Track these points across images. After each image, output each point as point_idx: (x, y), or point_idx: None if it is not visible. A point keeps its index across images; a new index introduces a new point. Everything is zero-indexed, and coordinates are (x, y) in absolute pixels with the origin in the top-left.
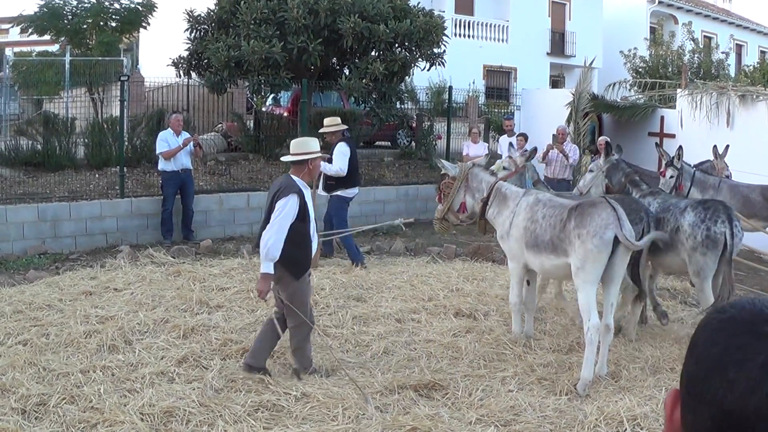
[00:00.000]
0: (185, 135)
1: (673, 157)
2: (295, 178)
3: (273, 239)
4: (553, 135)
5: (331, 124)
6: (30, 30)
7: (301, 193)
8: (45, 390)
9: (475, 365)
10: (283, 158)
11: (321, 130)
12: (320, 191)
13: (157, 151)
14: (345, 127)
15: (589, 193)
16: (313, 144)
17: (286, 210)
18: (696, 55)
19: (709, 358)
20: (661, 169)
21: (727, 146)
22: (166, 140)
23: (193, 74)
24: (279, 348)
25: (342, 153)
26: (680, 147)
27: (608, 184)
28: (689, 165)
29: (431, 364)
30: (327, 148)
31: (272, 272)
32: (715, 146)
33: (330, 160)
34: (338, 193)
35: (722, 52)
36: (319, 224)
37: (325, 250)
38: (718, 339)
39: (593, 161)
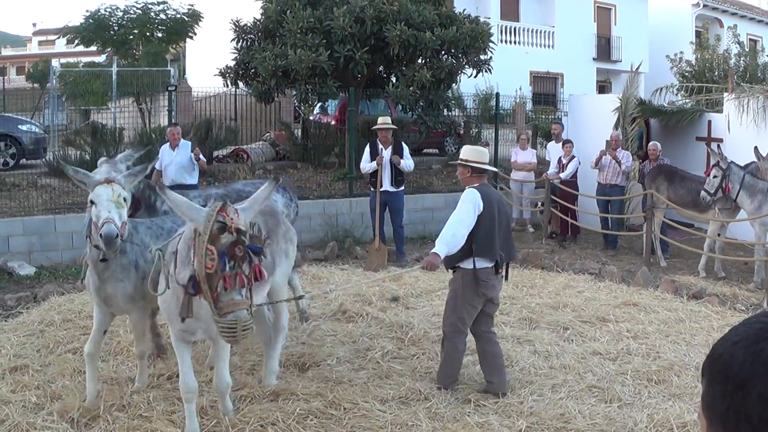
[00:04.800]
0: (186, 146)
1: (719, 159)
2: None
3: None
4: (606, 141)
5: (387, 121)
6: (76, 41)
7: None
8: None
9: (526, 372)
10: (486, 166)
11: (380, 126)
12: (389, 187)
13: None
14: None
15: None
16: None
17: None
18: (742, 59)
19: None
20: (706, 170)
21: None
22: (162, 154)
23: (241, 84)
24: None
25: (408, 150)
26: (718, 146)
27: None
28: (739, 167)
29: (482, 372)
30: (374, 145)
31: None
32: (756, 147)
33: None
34: (403, 188)
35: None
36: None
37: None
38: None
39: (642, 167)
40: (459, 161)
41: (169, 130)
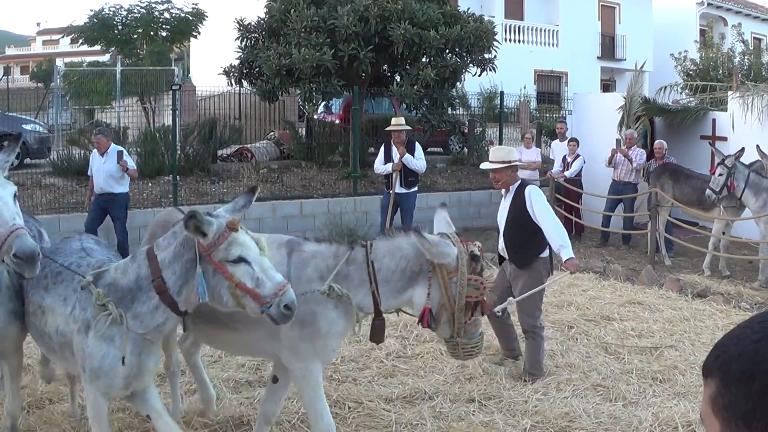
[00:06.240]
0: (115, 152)
1: (726, 157)
2: None
3: None
4: (617, 139)
5: (401, 122)
6: (80, 40)
7: None
8: None
9: None
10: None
11: (393, 128)
12: (400, 188)
13: None
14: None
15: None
16: None
17: None
18: (746, 57)
19: None
20: (711, 168)
21: None
22: (91, 160)
23: (245, 83)
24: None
25: (422, 151)
26: (742, 149)
27: None
28: (744, 165)
29: (485, 371)
30: (388, 146)
31: None
32: (758, 146)
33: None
34: (415, 189)
35: None
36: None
37: None
38: None
39: (647, 165)
40: (506, 164)
41: (94, 138)
